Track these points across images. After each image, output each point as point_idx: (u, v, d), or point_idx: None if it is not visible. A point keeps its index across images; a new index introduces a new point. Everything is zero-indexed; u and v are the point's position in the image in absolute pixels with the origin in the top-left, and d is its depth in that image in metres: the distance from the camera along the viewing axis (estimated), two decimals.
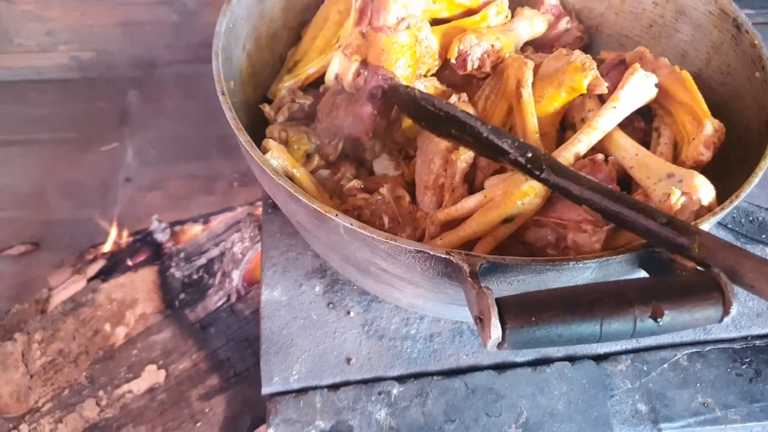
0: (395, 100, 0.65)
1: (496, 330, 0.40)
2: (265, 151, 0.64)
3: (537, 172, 0.54)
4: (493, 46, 0.70)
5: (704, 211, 0.53)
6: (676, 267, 0.47)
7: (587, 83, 0.64)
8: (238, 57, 0.70)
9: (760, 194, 0.82)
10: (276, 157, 0.63)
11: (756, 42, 0.66)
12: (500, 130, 0.58)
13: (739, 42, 0.68)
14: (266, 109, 0.70)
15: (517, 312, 0.41)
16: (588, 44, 0.85)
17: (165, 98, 1.49)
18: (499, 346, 0.41)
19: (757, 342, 0.68)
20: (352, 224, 0.50)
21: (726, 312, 0.42)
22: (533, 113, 0.65)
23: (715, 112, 0.70)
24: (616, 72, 0.73)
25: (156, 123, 1.45)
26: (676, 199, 0.54)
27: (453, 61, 0.70)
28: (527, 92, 0.65)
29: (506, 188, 0.60)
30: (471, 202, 0.61)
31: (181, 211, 1.17)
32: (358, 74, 0.67)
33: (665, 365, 0.66)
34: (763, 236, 0.77)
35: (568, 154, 0.61)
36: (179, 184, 1.34)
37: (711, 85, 0.73)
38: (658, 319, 0.41)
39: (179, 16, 1.44)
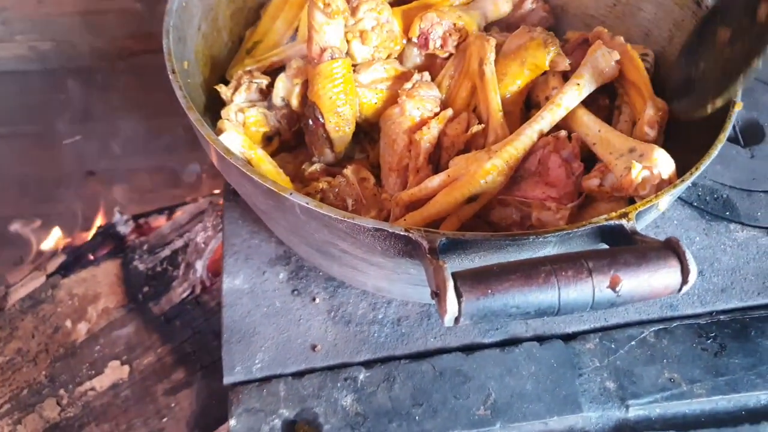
0: None
1: (452, 303, 0.39)
2: (219, 132, 0.62)
3: None
4: (455, 24, 0.69)
5: (665, 184, 0.53)
6: (637, 239, 0.46)
7: (549, 60, 0.64)
8: (192, 37, 0.68)
9: (724, 173, 0.82)
10: (231, 138, 0.61)
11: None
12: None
13: (700, 18, 0.68)
14: (223, 89, 0.67)
15: (473, 284, 0.40)
16: (554, 25, 0.85)
17: (129, 89, 1.45)
18: (456, 320, 0.40)
19: (722, 317, 0.68)
20: (308, 203, 0.48)
21: (685, 280, 0.42)
22: (496, 91, 0.64)
23: (677, 90, 0.71)
24: (580, 51, 0.73)
25: (120, 115, 1.41)
26: (637, 173, 0.54)
27: (415, 40, 0.69)
28: (490, 69, 0.64)
29: (470, 167, 0.59)
30: (435, 181, 0.60)
31: (146, 204, 1.14)
32: (302, 98, 0.66)
33: (633, 342, 0.65)
34: (727, 213, 0.78)
35: (531, 131, 0.61)
36: (145, 176, 1.30)
37: (674, 63, 0.73)
38: (617, 288, 0.41)
39: (143, 5, 1.40)
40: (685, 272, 0.41)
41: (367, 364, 0.63)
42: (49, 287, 0.97)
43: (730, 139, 0.86)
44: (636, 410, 0.61)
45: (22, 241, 1.12)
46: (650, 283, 0.41)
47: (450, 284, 0.39)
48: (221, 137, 0.61)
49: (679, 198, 0.78)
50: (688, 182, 0.53)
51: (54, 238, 1.10)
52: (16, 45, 1.43)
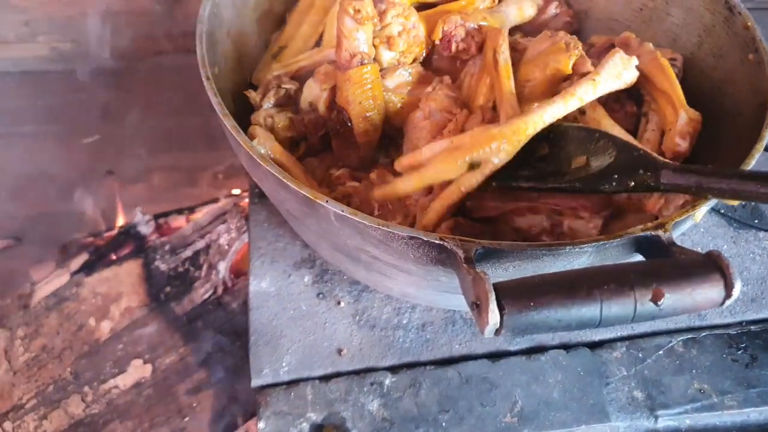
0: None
1: (494, 315, 0.39)
2: (251, 138, 0.62)
3: (653, 183, 0.49)
4: (479, 26, 0.69)
5: (687, 204, 0.52)
6: (674, 251, 0.46)
7: (572, 63, 0.63)
8: (222, 42, 0.68)
9: None
10: (263, 143, 0.61)
11: (749, 24, 0.65)
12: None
13: (732, 24, 0.67)
14: (252, 94, 0.68)
15: (515, 296, 0.39)
16: (578, 29, 0.84)
17: (147, 89, 1.46)
18: (497, 332, 0.40)
19: (753, 327, 0.67)
20: (343, 211, 0.48)
21: (728, 294, 0.41)
22: (509, 76, 0.63)
23: (707, 97, 0.70)
24: (605, 56, 0.72)
25: (138, 115, 1.42)
26: (660, 194, 0.53)
27: (438, 42, 0.68)
28: (503, 58, 0.64)
29: (474, 134, 0.58)
30: (437, 147, 0.59)
31: (165, 203, 1.15)
32: (329, 103, 0.66)
33: (660, 352, 0.65)
34: (756, 221, 0.77)
35: (542, 111, 0.58)
36: (163, 176, 1.31)
37: (703, 69, 0.72)
38: (659, 302, 0.40)
39: (162, 6, 1.41)
40: (728, 286, 0.41)
41: (393, 369, 0.63)
42: (73, 285, 0.98)
43: None
44: (665, 421, 0.61)
45: (46, 239, 1.13)
46: (693, 297, 0.41)
47: (492, 296, 0.39)
48: (253, 143, 0.61)
49: None
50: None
51: (76, 237, 1.11)
52: (38, 46, 1.45)
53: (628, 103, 0.70)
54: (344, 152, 0.67)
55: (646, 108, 0.70)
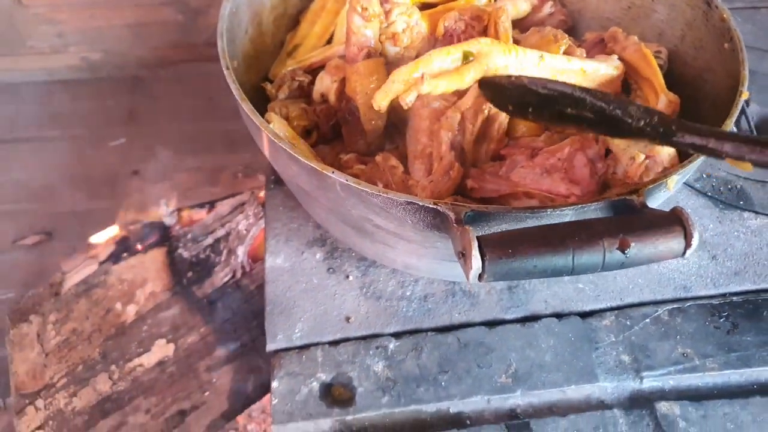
0: (489, 96, 0.63)
1: (476, 261, 0.44)
2: (267, 122, 0.69)
3: (669, 137, 0.50)
4: (478, 16, 0.75)
5: (668, 171, 0.57)
6: (645, 212, 0.51)
7: (563, 51, 0.69)
8: (240, 40, 0.75)
9: None
10: (277, 128, 0.67)
11: (725, 16, 0.71)
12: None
13: (710, 17, 0.73)
14: (268, 87, 0.74)
15: (496, 245, 0.45)
16: (572, 27, 0.90)
17: (171, 96, 1.55)
18: (480, 277, 0.45)
19: (735, 298, 0.72)
20: (347, 180, 0.54)
21: (688, 244, 0.46)
22: (509, 40, 0.69)
23: (690, 85, 0.75)
24: (595, 50, 0.78)
25: (162, 119, 1.51)
26: (641, 162, 0.58)
27: (440, 38, 0.75)
28: (503, 27, 0.70)
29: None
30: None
31: (187, 201, 1.22)
32: (339, 94, 0.72)
33: (647, 320, 0.69)
34: (741, 202, 0.81)
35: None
36: (185, 176, 1.39)
37: (686, 59, 0.77)
38: (626, 251, 0.45)
39: (184, 16, 1.50)
40: (688, 236, 0.46)
41: (397, 335, 0.68)
42: (101, 273, 1.05)
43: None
44: (650, 381, 0.65)
45: (75, 234, 1.21)
46: (656, 246, 0.46)
47: (475, 244, 0.44)
48: (270, 126, 0.68)
49: (694, 188, 0.82)
50: (695, 163, 0.57)
51: (105, 231, 1.18)
52: (70, 56, 1.55)
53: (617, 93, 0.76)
54: (353, 139, 0.73)
55: (633, 95, 0.75)
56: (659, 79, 0.69)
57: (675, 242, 0.46)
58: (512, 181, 0.65)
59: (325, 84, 0.73)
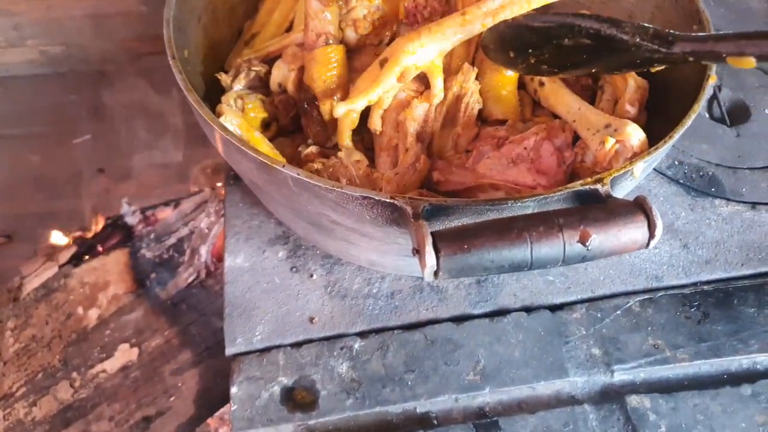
0: (491, 53, 0.64)
1: (430, 257, 0.42)
2: (218, 116, 0.65)
3: (667, 47, 0.49)
4: None
5: (637, 157, 0.55)
6: (610, 202, 0.49)
7: None
8: (193, 28, 0.71)
9: (710, 151, 0.84)
10: (229, 121, 0.64)
11: None
12: (614, 18, 0.53)
13: None
14: (223, 77, 0.71)
15: (450, 240, 0.43)
16: (543, 12, 0.87)
17: (136, 90, 1.50)
18: (435, 274, 0.43)
19: (705, 287, 0.70)
20: (299, 174, 0.51)
21: (652, 234, 0.44)
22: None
23: (660, 70, 0.73)
24: None
25: (127, 114, 1.45)
26: (610, 147, 0.57)
27: (404, 20, 0.72)
28: None
29: None
30: None
31: (154, 199, 1.18)
32: (297, 83, 0.69)
33: (618, 312, 0.68)
34: (713, 189, 0.80)
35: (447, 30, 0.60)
36: (153, 173, 1.34)
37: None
38: (586, 243, 0.43)
39: (147, 7, 1.44)
40: (651, 227, 0.44)
41: (362, 335, 0.66)
42: (61, 276, 1.01)
43: (716, 119, 0.89)
44: (621, 375, 0.64)
45: (36, 236, 1.17)
46: (618, 237, 0.44)
47: (429, 240, 0.42)
48: (221, 119, 0.64)
49: (666, 175, 0.81)
50: (662, 150, 0.55)
51: (66, 232, 1.14)
52: (28, 50, 1.48)
53: (583, 78, 0.73)
54: (313, 130, 0.70)
55: (602, 81, 0.73)
56: None
57: (638, 233, 0.44)
58: (478, 173, 0.62)
59: (282, 73, 0.70)
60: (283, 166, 0.52)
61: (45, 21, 1.45)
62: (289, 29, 0.79)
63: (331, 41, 0.66)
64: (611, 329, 0.66)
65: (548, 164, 0.62)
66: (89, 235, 1.09)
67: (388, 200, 0.50)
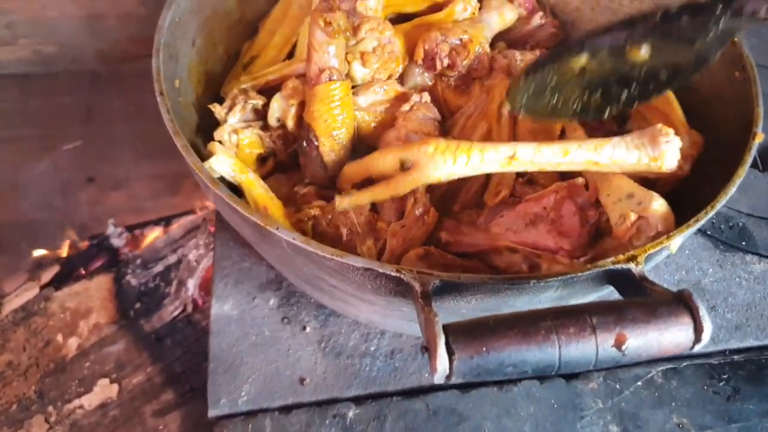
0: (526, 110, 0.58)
1: (442, 361, 0.36)
2: (209, 155, 0.60)
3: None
4: (461, 40, 0.66)
5: (661, 236, 0.49)
6: (646, 286, 0.43)
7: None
8: (185, 53, 0.65)
9: (740, 199, 0.78)
10: (221, 161, 0.58)
11: (736, 39, 0.62)
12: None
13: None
14: (217, 109, 0.65)
15: (466, 340, 0.37)
16: (563, 40, 0.81)
17: (132, 93, 1.43)
18: (447, 377, 0.37)
19: (736, 357, 0.64)
20: (294, 239, 0.45)
21: (698, 339, 0.38)
22: (509, 132, 0.61)
23: (694, 112, 0.67)
24: None
25: (122, 119, 1.39)
26: (632, 223, 0.50)
27: (420, 62, 0.66)
28: (507, 110, 0.61)
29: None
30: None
31: (145, 213, 1.12)
32: (298, 119, 0.64)
33: (639, 383, 0.62)
34: (743, 243, 0.74)
35: (506, 155, 0.52)
36: (144, 184, 1.28)
37: (691, 84, 0.69)
38: (622, 347, 0.37)
39: (146, 8, 1.38)
40: (698, 330, 0.38)
41: (357, 400, 0.60)
42: (42, 299, 0.95)
43: None
44: None
45: (21, 249, 1.11)
46: (659, 341, 0.38)
47: (441, 341, 0.36)
48: (211, 160, 0.58)
49: None
50: (702, 222, 0.49)
51: (50, 247, 1.08)
52: (20, 48, 1.42)
53: (608, 122, 0.67)
54: (312, 170, 0.64)
55: (631, 125, 0.67)
56: (679, 115, 0.61)
57: (682, 335, 0.38)
58: (492, 234, 0.56)
59: (281, 107, 0.64)
60: (277, 228, 0.46)
61: (39, 20, 1.39)
62: (291, 53, 0.73)
63: (335, 77, 0.59)
64: (631, 403, 0.61)
65: (570, 225, 0.56)
66: (74, 253, 1.03)
67: (393, 274, 0.44)
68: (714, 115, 0.65)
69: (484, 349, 0.36)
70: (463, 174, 0.53)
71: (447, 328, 0.37)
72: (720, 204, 0.50)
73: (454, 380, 0.37)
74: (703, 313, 0.38)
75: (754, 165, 0.83)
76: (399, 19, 0.71)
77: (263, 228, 0.46)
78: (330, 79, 0.59)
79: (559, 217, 0.55)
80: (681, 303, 0.39)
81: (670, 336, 0.38)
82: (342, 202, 0.56)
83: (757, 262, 0.72)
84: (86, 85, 1.44)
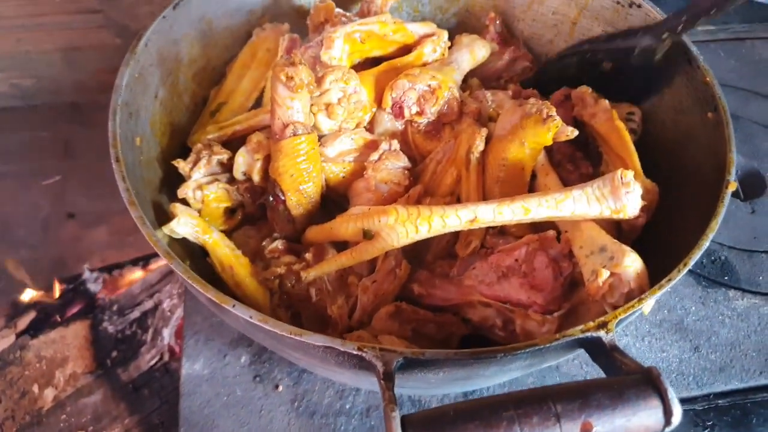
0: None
1: None
2: (172, 216, 0.58)
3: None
4: (429, 86, 0.65)
5: (635, 293, 0.48)
6: (615, 357, 0.42)
7: (551, 135, 0.57)
8: (147, 108, 0.63)
9: (722, 230, 0.76)
10: (183, 223, 0.57)
11: (708, 79, 0.61)
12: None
13: (692, 78, 0.63)
14: (181, 164, 0.63)
15: None
16: (537, 72, 0.80)
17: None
18: None
19: (720, 401, 0.63)
20: (251, 317, 0.43)
21: (668, 422, 0.37)
22: (479, 177, 0.60)
23: (668, 151, 0.66)
24: (561, 109, 0.68)
25: (101, 151, 1.36)
26: (604, 281, 0.48)
27: (389, 110, 0.64)
28: (475, 157, 0.60)
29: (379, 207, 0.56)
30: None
31: (125, 249, 1.11)
32: (263, 173, 0.62)
33: None
34: (726, 278, 0.73)
35: (472, 214, 0.51)
36: (125, 218, 1.25)
37: (664, 121, 0.68)
38: None
39: (122, 40, 1.36)
40: (667, 413, 0.37)
41: None
42: (17, 348, 0.93)
43: None
44: None
45: None
46: (627, 427, 0.36)
47: None
48: (173, 223, 0.57)
49: None
50: (675, 280, 0.48)
51: (27, 290, 1.06)
52: None
53: (583, 164, 0.66)
54: (280, 225, 0.63)
55: (604, 167, 0.65)
56: (634, 162, 0.59)
57: (651, 419, 0.37)
58: (465, 288, 0.55)
59: (246, 161, 0.62)
60: (233, 306, 0.44)
61: (15, 53, 1.37)
62: (259, 99, 0.72)
63: (300, 131, 0.58)
64: None
65: (543, 278, 0.54)
66: (50, 298, 1.01)
67: (354, 352, 0.42)
68: (689, 154, 0.64)
69: None
70: (427, 237, 0.51)
71: (406, 422, 0.36)
72: (693, 260, 0.49)
73: None
74: (671, 395, 0.37)
75: (735, 194, 0.81)
76: (367, 62, 0.69)
77: (219, 305, 0.45)
78: (294, 134, 0.58)
79: (531, 269, 0.54)
80: (649, 385, 0.37)
81: (638, 421, 0.36)
82: (308, 275, 0.54)
83: (740, 298, 0.71)
84: (65, 117, 1.43)
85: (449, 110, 0.65)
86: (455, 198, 0.61)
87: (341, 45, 0.63)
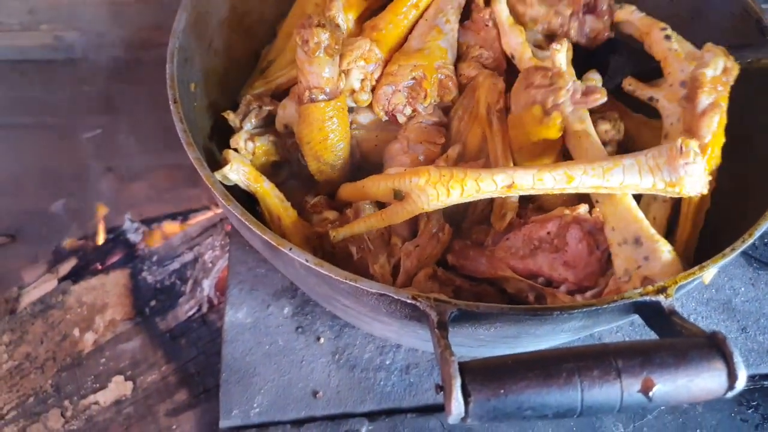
0: None
1: (457, 405, 0.34)
2: (225, 162, 0.58)
3: None
4: (414, 79, 0.59)
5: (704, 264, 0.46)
6: (675, 321, 0.41)
7: (558, 129, 0.52)
8: (202, 55, 0.64)
9: None
10: (236, 170, 0.57)
11: None
12: None
13: None
14: (230, 116, 0.63)
15: (484, 381, 0.35)
16: None
17: (153, 82, 1.42)
18: (463, 419, 0.35)
19: (765, 383, 0.62)
20: (307, 260, 0.44)
21: (731, 386, 0.36)
22: (506, 143, 0.57)
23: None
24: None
25: (143, 108, 1.38)
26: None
27: (385, 118, 0.61)
28: (497, 118, 0.57)
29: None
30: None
31: (164, 204, 1.12)
32: None
33: (663, 408, 0.60)
34: None
35: (474, 186, 0.48)
36: (164, 174, 1.27)
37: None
38: (650, 393, 0.35)
39: None
40: (732, 377, 0.36)
41: (371, 416, 0.59)
42: (59, 292, 0.96)
43: None
44: None
45: (40, 239, 1.11)
46: (689, 388, 0.36)
47: (457, 383, 0.34)
48: (225, 169, 0.57)
49: None
50: (739, 251, 0.46)
51: (69, 238, 1.09)
52: (42, 34, 1.42)
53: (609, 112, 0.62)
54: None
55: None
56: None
57: (714, 382, 0.36)
58: (496, 261, 0.54)
59: (288, 113, 0.61)
60: (290, 249, 0.44)
61: (60, 5, 1.38)
62: None
63: (321, 96, 0.56)
64: (654, 429, 0.58)
65: (576, 254, 0.52)
66: (91, 245, 1.04)
67: (409, 301, 0.42)
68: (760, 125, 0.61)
69: (503, 391, 0.35)
70: (460, 202, 0.49)
71: (464, 368, 0.36)
72: (760, 230, 0.47)
73: (469, 423, 0.35)
74: (737, 359, 0.36)
75: None
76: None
77: (276, 247, 0.45)
78: (311, 100, 0.55)
79: (563, 244, 0.52)
80: (714, 347, 0.37)
81: (702, 382, 0.36)
82: (337, 234, 0.54)
83: None
84: (107, 72, 1.44)
85: (446, 91, 0.61)
86: (487, 161, 0.59)
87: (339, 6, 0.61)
